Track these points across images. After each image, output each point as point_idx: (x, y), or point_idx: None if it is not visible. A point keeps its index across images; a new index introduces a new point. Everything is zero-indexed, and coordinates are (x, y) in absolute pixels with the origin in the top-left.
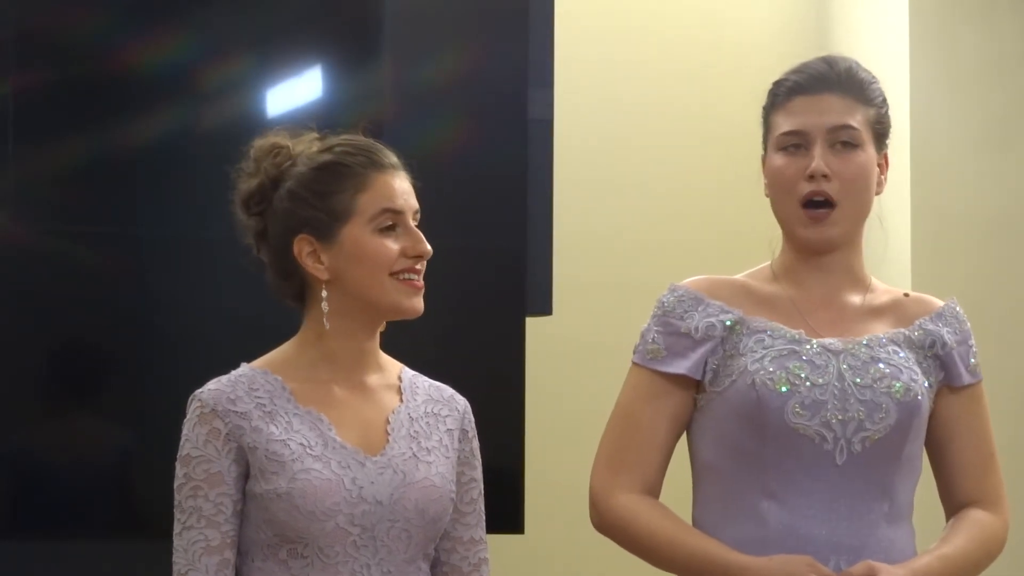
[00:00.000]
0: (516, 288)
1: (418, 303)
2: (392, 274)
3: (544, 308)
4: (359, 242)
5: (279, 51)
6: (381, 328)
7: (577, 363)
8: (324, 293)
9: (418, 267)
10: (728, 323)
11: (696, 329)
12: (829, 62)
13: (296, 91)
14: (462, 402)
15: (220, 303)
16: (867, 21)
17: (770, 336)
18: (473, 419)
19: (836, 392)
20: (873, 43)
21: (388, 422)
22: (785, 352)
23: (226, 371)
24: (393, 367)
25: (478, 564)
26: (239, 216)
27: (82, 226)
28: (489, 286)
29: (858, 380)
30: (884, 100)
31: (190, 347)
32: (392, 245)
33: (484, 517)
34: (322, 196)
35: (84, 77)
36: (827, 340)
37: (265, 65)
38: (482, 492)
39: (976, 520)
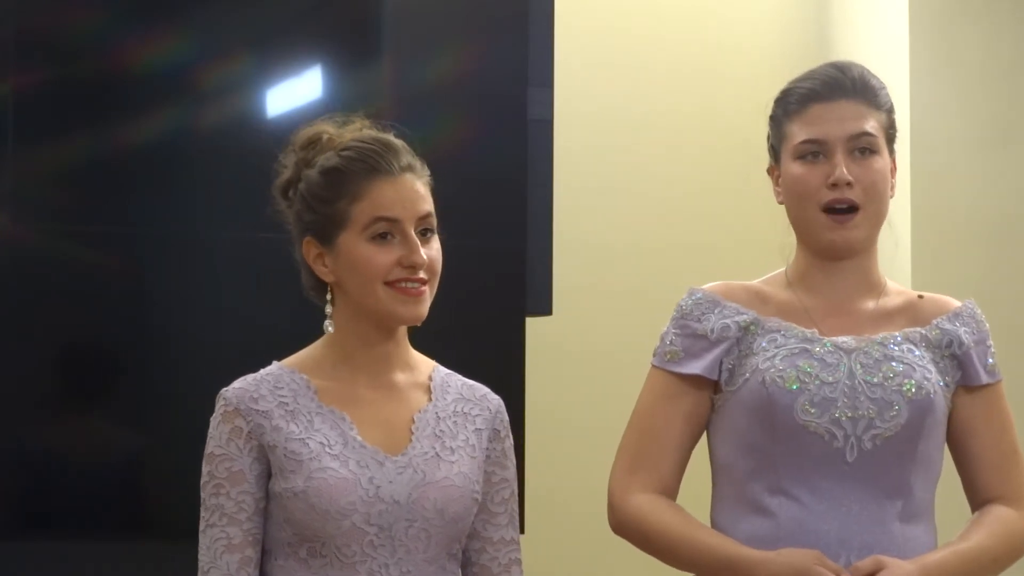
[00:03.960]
0: (516, 288)
1: (416, 310)
2: (388, 283)
3: (544, 308)
4: (352, 251)
5: (279, 51)
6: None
7: (577, 364)
8: (329, 296)
9: (417, 276)
10: (743, 323)
11: (712, 330)
12: (841, 68)
13: (296, 91)
14: (495, 401)
15: (220, 303)
16: (867, 21)
17: (783, 335)
18: (507, 419)
19: (846, 390)
20: (873, 43)
21: (413, 421)
22: (796, 350)
23: (226, 371)
24: (424, 366)
25: (508, 565)
26: (279, 204)
27: (82, 226)
28: (489, 286)
29: (869, 378)
30: (892, 105)
31: (190, 347)
32: (385, 255)
33: (517, 518)
34: (323, 202)
35: (84, 77)
36: (840, 339)
37: (265, 65)
38: (515, 492)
39: (997, 516)
